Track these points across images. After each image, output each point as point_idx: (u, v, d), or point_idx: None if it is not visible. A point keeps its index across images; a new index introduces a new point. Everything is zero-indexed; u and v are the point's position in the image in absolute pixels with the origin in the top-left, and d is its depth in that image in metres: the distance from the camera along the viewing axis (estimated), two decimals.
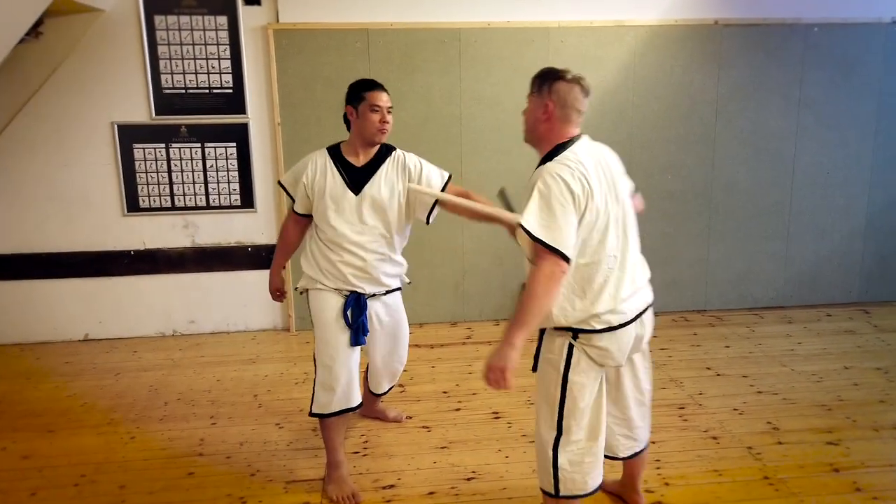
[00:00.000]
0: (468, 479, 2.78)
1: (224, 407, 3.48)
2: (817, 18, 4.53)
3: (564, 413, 2.14)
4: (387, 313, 2.85)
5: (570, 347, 2.11)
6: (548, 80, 2.10)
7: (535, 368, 2.26)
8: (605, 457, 2.37)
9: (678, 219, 4.75)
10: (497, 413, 3.36)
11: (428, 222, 2.83)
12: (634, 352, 2.25)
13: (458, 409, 3.40)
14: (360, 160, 2.67)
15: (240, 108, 4.32)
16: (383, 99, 2.61)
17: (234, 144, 4.37)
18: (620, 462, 2.52)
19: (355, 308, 2.70)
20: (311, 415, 2.72)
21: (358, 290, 2.70)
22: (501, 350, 1.97)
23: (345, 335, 2.69)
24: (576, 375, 2.12)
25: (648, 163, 4.62)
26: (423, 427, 3.23)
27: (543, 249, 1.94)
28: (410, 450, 3.02)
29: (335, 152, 2.69)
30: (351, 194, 2.62)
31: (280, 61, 4.26)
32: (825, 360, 3.95)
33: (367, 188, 2.63)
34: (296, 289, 2.84)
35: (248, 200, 4.45)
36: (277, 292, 2.95)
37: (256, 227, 4.51)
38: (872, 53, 4.62)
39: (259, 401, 3.55)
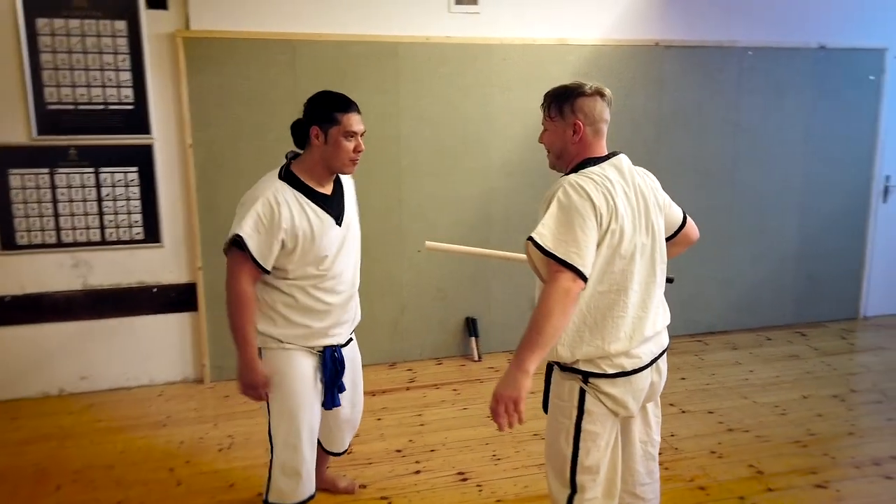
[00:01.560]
0: None
1: (134, 488, 2.87)
2: (751, 41, 4.52)
3: (578, 468, 1.91)
4: (349, 357, 2.44)
5: (582, 393, 1.89)
6: (569, 98, 1.92)
7: (546, 408, 2.03)
8: None
9: None
10: (463, 473, 2.96)
11: None
12: (648, 400, 2.03)
13: (417, 472, 2.98)
14: (325, 188, 2.25)
15: (143, 127, 3.71)
16: (360, 123, 2.19)
17: (136, 169, 3.75)
18: None
19: (333, 364, 2.28)
20: None
21: (335, 340, 2.29)
22: (513, 377, 1.73)
23: (317, 403, 2.27)
24: (589, 425, 1.90)
25: None
26: (382, 498, 2.78)
27: (557, 265, 1.74)
28: None
29: (296, 182, 2.20)
30: (337, 228, 2.24)
31: (191, 74, 3.70)
32: (782, 389, 3.85)
33: (346, 218, 2.29)
34: None
35: (152, 234, 3.83)
36: (264, 387, 2.19)
37: (163, 265, 3.89)
38: (801, 78, 4.67)
39: (177, 476, 2.97)
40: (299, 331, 2.21)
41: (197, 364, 4.03)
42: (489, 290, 4.37)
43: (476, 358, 4.29)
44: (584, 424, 1.89)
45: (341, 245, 2.25)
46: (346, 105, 2.16)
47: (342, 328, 2.32)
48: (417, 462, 3.06)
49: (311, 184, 2.20)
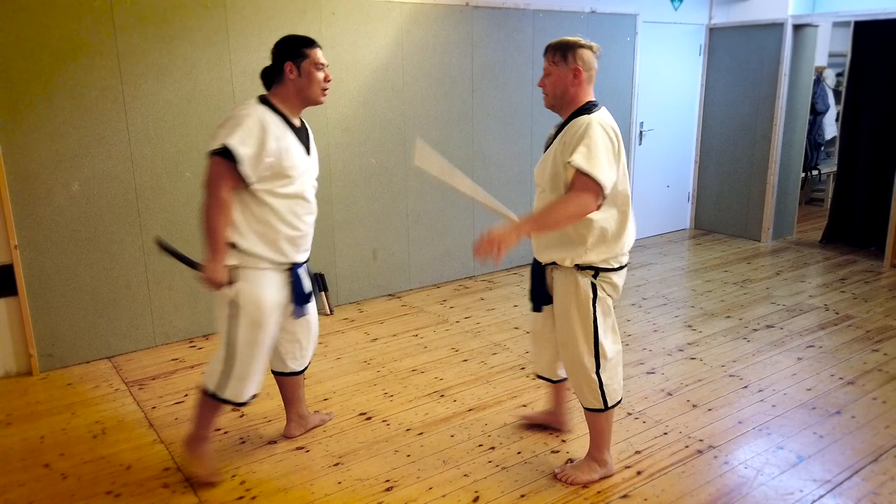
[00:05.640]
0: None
1: (11, 490, 2.55)
2: (541, 6, 5.09)
3: (599, 345, 2.42)
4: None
5: (594, 285, 2.38)
6: (571, 48, 2.30)
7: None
8: (543, 378, 2.78)
9: (446, 193, 4.94)
10: (365, 413, 3.12)
11: None
12: None
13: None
14: (296, 121, 2.49)
15: None
16: (324, 57, 2.46)
17: None
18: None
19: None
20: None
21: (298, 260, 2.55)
22: (510, 229, 2.17)
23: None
24: (602, 305, 2.41)
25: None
26: (298, 448, 2.84)
27: (586, 179, 2.16)
28: (303, 477, 2.64)
29: (275, 110, 2.41)
30: (306, 157, 2.48)
31: None
32: None
33: (312, 150, 2.55)
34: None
35: None
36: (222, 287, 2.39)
37: None
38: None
39: (58, 470, 2.69)
40: (273, 250, 2.44)
41: (21, 355, 3.56)
42: (334, 244, 4.46)
43: (328, 312, 4.38)
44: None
45: (306, 172, 2.48)
46: (311, 41, 2.42)
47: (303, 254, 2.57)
48: (316, 412, 3.14)
49: (286, 113, 2.43)
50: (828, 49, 7.76)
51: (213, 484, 2.56)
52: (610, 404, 2.48)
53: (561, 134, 2.31)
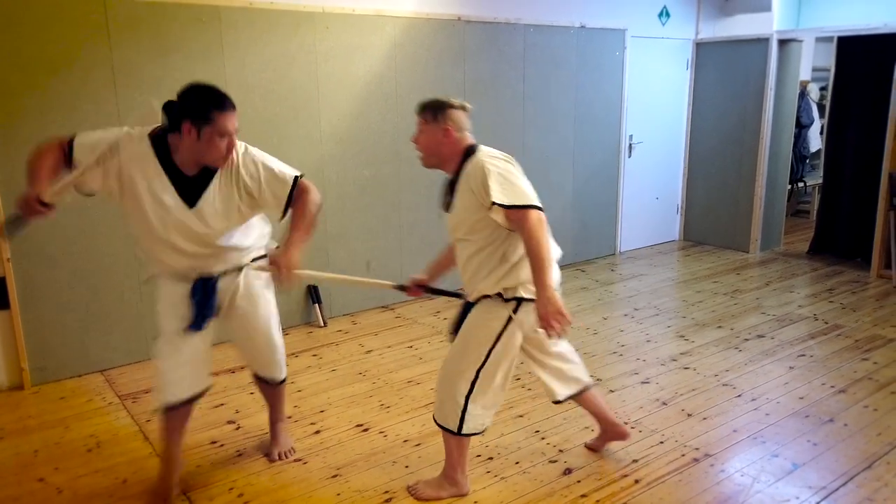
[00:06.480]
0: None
1: None
2: (532, 21, 5.16)
3: (481, 375, 2.35)
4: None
5: (508, 319, 2.31)
6: (441, 108, 2.32)
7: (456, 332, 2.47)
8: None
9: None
10: (362, 425, 3.12)
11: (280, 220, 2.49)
12: None
13: (317, 432, 3.06)
14: (190, 171, 2.22)
15: None
16: (234, 122, 2.15)
17: None
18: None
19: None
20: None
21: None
22: (542, 296, 2.08)
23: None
24: (505, 341, 2.34)
25: (413, 152, 4.71)
26: (297, 461, 2.83)
27: (520, 210, 2.14)
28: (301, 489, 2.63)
29: (162, 149, 2.18)
30: (183, 209, 2.22)
31: None
32: (586, 314, 4.61)
33: (202, 203, 2.24)
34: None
35: None
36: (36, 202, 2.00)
37: None
38: (568, 52, 5.45)
39: (53, 484, 2.67)
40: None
41: (13, 369, 3.52)
42: (327, 255, 4.46)
43: (322, 324, 4.38)
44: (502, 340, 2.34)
45: (179, 225, 2.24)
46: (223, 103, 2.10)
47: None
48: (312, 424, 3.14)
49: (177, 161, 2.19)
50: (811, 63, 7.90)
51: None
52: (465, 431, 2.39)
53: (459, 186, 2.30)
